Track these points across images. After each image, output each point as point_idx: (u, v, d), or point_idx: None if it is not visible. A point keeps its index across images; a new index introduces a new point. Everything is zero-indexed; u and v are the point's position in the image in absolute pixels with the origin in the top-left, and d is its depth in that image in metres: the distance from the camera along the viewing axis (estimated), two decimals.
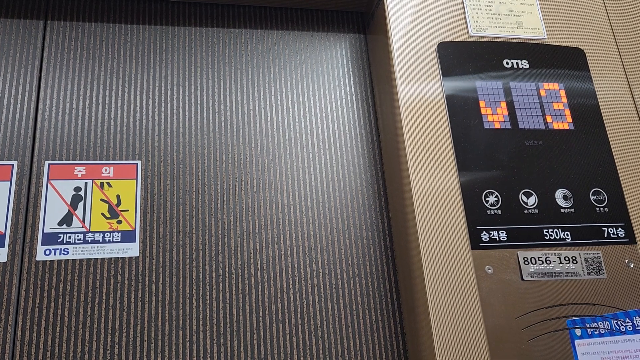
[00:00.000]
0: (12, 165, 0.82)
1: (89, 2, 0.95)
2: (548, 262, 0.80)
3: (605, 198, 0.86)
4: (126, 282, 0.80)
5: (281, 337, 0.82)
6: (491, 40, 0.93)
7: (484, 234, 0.79)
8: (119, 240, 0.82)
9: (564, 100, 0.91)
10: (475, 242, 0.79)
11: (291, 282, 0.85)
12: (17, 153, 0.83)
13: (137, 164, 0.87)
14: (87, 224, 0.82)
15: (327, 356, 0.82)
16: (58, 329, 0.76)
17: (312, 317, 0.83)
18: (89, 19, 0.94)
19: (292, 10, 1.03)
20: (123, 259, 0.81)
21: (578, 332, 0.76)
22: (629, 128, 0.92)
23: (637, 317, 0.79)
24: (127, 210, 0.83)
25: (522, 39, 0.94)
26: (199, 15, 0.99)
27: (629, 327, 0.78)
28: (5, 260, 0.78)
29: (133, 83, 0.91)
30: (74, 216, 0.82)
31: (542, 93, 0.90)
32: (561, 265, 0.80)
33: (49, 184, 0.82)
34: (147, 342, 0.78)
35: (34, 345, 0.75)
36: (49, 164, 0.84)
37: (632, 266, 0.82)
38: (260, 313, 0.82)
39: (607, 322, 0.78)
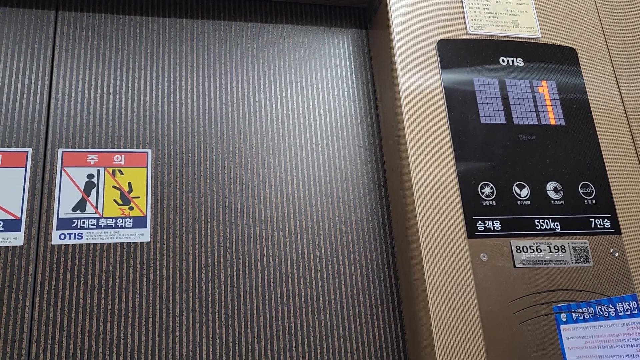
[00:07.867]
0: (27, 152, 0.85)
1: None
2: (539, 250, 0.85)
3: (593, 191, 0.90)
4: (138, 266, 0.83)
5: (286, 319, 0.86)
6: (488, 38, 0.97)
7: (480, 224, 0.84)
8: (131, 225, 0.85)
9: (556, 97, 0.95)
10: (471, 231, 0.83)
11: (295, 268, 0.89)
12: (32, 140, 0.86)
13: (147, 152, 0.89)
14: (100, 209, 0.85)
15: (329, 337, 0.86)
16: (73, 310, 0.79)
17: (315, 300, 0.88)
18: (99, 10, 0.96)
19: (297, 5, 1.06)
20: (135, 243, 0.84)
21: (564, 317, 0.81)
22: (616, 124, 0.96)
23: (619, 303, 0.84)
24: (138, 197, 0.87)
25: (517, 37, 0.98)
26: (206, 9, 1.01)
27: (612, 313, 0.83)
28: (22, 244, 0.80)
29: (143, 74, 0.94)
30: (87, 202, 0.84)
31: (536, 90, 0.95)
32: (551, 253, 0.85)
33: (62, 171, 0.85)
34: (159, 324, 0.81)
35: (51, 326, 0.78)
36: (62, 152, 0.86)
37: (616, 255, 0.87)
38: (266, 296, 0.86)
39: (591, 308, 0.83)
